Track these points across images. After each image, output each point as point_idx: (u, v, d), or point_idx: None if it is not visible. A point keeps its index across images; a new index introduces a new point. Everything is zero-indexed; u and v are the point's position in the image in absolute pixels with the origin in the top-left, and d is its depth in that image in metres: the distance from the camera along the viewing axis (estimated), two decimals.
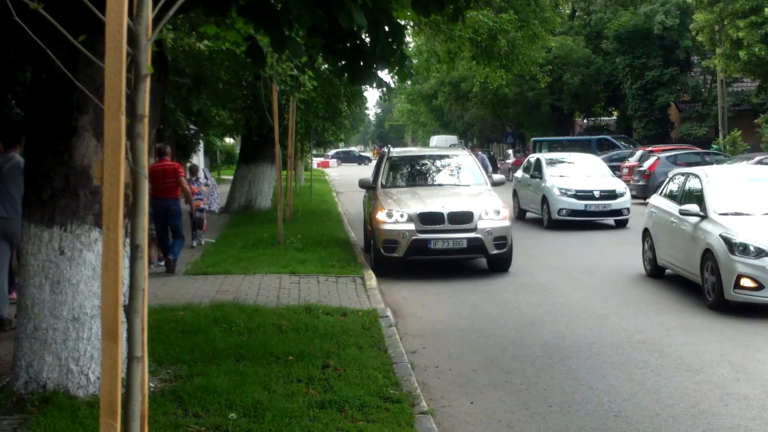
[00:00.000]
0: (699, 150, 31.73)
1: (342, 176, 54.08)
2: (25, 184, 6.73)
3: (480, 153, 24.56)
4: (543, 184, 21.06)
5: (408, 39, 22.08)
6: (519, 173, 23.83)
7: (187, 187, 14.13)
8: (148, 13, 2.73)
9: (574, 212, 20.24)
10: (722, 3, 30.38)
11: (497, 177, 16.40)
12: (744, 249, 10.06)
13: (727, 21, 30.91)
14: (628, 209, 20.52)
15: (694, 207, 11.32)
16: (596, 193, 20.35)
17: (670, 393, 7.13)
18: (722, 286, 10.19)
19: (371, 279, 12.55)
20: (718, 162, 26.69)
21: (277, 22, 6.03)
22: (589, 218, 20.44)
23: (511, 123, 55.67)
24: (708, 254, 10.62)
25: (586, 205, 20.20)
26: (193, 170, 17.83)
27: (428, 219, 13.44)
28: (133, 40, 2.72)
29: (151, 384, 6.67)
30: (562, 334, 9.37)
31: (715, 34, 33.08)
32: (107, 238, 2.72)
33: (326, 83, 20.45)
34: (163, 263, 13.40)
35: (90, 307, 6.43)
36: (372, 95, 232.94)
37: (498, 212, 13.69)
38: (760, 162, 23.57)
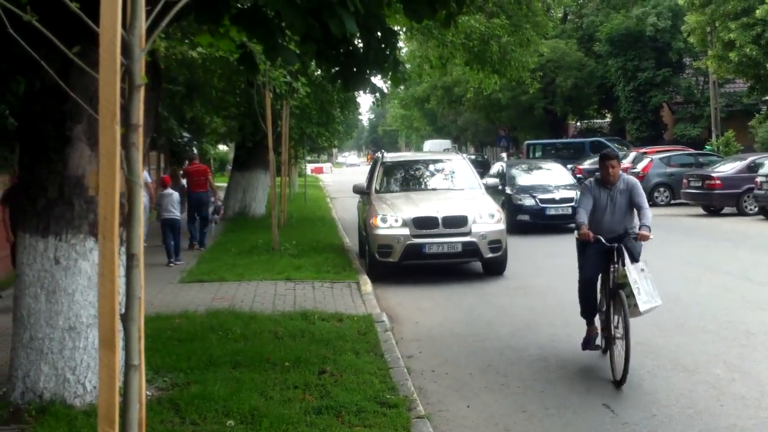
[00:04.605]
0: (692, 151, 31.76)
1: (336, 182, 54.07)
2: (21, 194, 6.73)
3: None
4: None
5: (400, 44, 22.09)
6: None
7: (213, 183, 18.04)
8: (142, 24, 2.75)
9: None
10: (714, 5, 30.50)
11: (491, 181, 16.38)
12: None
13: (718, 23, 31.02)
14: None
15: None
16: None
17: (666, 394, 7.15)
18: None
19: (366, 284, 12.56)
20: (712, 163, 26.74)
21: (270, 30, 6.04)
22: None
23: (504, 126, 55.75)
24: None
25: None
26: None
27: (423, 223, 13.45)
28: (126, 50, 2.74)
29: (148, 392, 6.67)
30: (557, 337, 9.39)
31: (707, 35, 33.18)
32: (103, 248, 2.74)
33: (319, 89, 20.47)
34: (187, 246, 16.95)
35: (86, 316, 6.43)
36: (365, 101, 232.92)
37: (492, 216, 13.71)
38: (753, 162, 23.64)
